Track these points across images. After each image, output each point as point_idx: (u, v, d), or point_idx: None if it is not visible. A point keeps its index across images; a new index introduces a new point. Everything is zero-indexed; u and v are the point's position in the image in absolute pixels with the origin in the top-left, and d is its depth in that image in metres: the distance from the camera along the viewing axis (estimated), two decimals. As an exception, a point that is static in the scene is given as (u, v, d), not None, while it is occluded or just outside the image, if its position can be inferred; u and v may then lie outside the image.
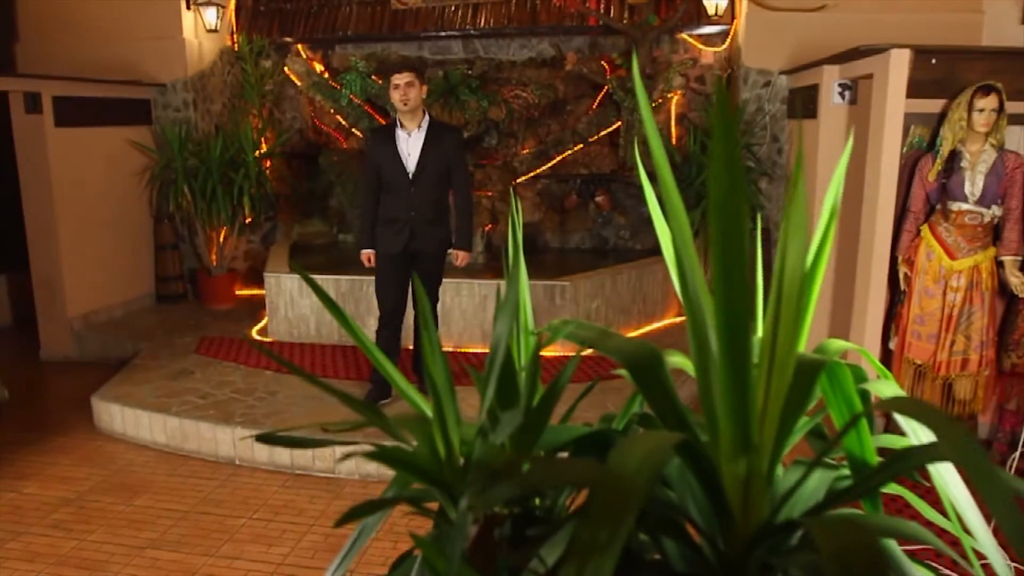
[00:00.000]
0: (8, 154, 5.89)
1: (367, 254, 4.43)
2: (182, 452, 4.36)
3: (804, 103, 5.61)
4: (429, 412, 0.97)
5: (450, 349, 5.45)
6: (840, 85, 5.05)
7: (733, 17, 6.45)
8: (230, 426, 4.22)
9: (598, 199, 6.88)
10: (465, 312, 5.43)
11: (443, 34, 6.92)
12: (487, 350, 5.18)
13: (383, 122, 6.64)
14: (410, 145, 4.25)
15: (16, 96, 5.70)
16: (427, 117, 4.30)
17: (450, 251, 4.48)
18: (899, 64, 3.98)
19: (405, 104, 4.16)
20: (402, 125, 4.27)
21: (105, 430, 4.66)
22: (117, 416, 4.57)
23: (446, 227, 4.44)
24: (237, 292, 7.00)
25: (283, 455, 4.13)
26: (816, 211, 5.20)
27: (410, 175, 4.24)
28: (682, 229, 0.75)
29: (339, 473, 4.06)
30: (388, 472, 4.01)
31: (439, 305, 4.89)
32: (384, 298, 4.40)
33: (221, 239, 6.84)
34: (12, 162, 5.88)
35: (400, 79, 4.16)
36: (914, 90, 4.01)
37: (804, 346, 0.78)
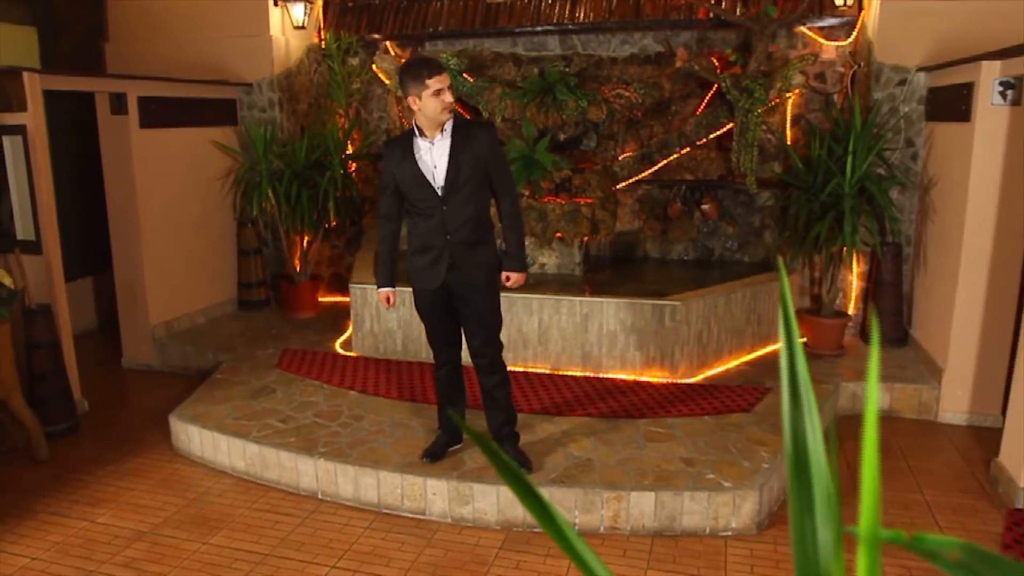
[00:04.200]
0: (95, 155, 5.74)
1: (385, 294, 3.68)
2: (261, 481, 4.04)
3: (951, 104, 4.94)
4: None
5: (547, 371, 5.01)
6: (1002, 83, 4.38)
7: (861, 8, 5.80)
8: (312, 457, 3.87)
9: (704, 207, 6.32)
10: (564, 331, 4.97)
11: (539, 29, 6.46)
12: (588, 374, 4.68)
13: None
14: (434, 155, 3.44)
15: (102, 97, 5.52)
16: (451, 117, 3.46)
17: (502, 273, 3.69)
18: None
19: (449, 111, 3.39)
20: (421, 133, 3.45)
21: (183, 451, 4.39)
22: (195, 438, 4.29)
23: (492, 247, 3.61)
24: (320, 299, 6.72)
25: (370, 491, 3.76)
26: (967, 227, 4.55)
27: (439, 192, 3.45)
28: None
29: (430, 515, 3.67)
30: (483, 515, 3.60)
31: (504, 331, 3.88)
32: (437, 345, 3.72)
33: (305, 244, 6.57)
34: (99, 163, 5.72)
35: (441, 81, 3.33)
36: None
37: None
